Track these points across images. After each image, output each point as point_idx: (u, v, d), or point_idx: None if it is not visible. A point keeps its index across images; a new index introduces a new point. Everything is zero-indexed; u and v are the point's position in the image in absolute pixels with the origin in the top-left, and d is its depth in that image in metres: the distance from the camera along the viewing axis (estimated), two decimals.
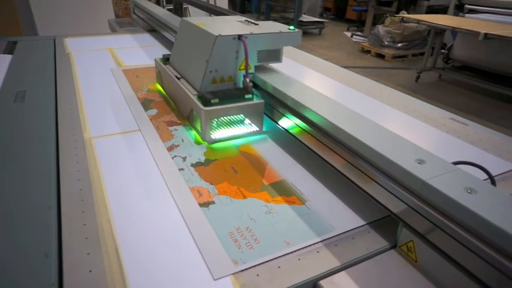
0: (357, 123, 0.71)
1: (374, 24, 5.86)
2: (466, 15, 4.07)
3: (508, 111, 3.48)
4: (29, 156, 0.80)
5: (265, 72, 1.01)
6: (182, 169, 0.79)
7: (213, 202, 0.69)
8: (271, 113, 0.95)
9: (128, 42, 1.85)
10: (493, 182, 0.67)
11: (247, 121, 0.91)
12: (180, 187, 0.73)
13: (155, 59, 1.23)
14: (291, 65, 1.56)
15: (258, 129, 0.94)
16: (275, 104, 0.93)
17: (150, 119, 1.02)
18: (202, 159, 0.84)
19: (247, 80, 0.92)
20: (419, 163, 0.56)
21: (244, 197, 0.71)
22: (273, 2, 7.47)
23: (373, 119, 0.73)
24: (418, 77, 4.27)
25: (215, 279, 0.52)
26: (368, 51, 5.40)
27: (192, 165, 0.81)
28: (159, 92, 1.21)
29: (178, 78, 1.03)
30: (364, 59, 5.24)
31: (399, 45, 5.13)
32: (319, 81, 1.38)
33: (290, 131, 0.88)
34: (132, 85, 1.26)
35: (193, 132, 0.95)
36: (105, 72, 1.37)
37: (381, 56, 5.19)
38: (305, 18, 6.76)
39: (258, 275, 0.53)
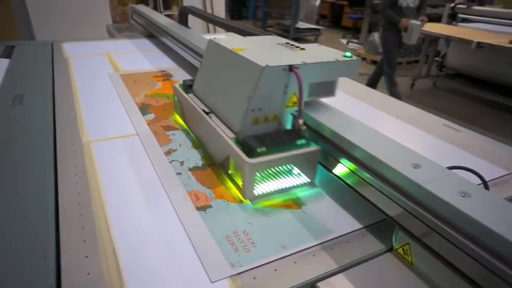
0: (353, 127, 0.72)
1: (370, 31, 5.94)
2: (459, 24, 4.15)
3: (500, 118, 3.53)
4: (27, 159, 0.80)
5: (314, 108, 0.81)
6: (180, 173, 0.80)
7: (210, 206, 0.70)
8: (326, 161, 0.75)
9: (125, 48, 1.86)
10: (486, 187, 0.68)
11: (295, 170, 0.73)
12: (177, 191, 0.73)
13: (174, 86, 1.03)
14: None
15: (309, 180, 0.76)
16: (331, 149, 0.73)
17: (148, 124, 1.02)
18: (200, 163, 0.84)
19: (301, 121, 0.74)
20: (414, 167, 0.57)
21: (241, 201, 0.72)
22: (269, 8, 7.54)
23: (368, 124, 0.74)
24: (412, 84, 4.32)
25: (212, 282, 0.53)
26: (363, 58, 5.46)
27: (190, 169, 0.81)
28: (180, 125, 1.02)
29: (207, 113, 0.85)
30: (360, 65, 5.30)
31: None
32: None
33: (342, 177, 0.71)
34: (130, 90, 1.26)
35: (230, 183, 0.76)
36: (103, 77, 1.38)
37: (376, 63, 5.25)
38: (301, 25, 6.83)
39: (254, 277, 0.54)
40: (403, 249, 0.58)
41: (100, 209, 0.66)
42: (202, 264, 0.56)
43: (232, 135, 0.76)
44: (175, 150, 0.89)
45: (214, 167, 0.83)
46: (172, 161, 0.84)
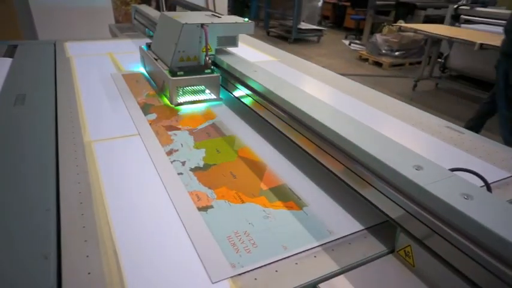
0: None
1: (372, 32, 5.93)
2: (462, 25, 4.13)
3: None
4: (29, 159, 0.80)
5: (223, 54, 1.29)
6: (181, 173, 0.80)
7: (212, 206, 0.70)
8: (226, 85, 1.22)
9: (128, 47, 1.86)
10: (489, 189, 0.68)
11: (207, 91, 1.18)
12: (178, 191, 0.73)
13: (140, 47, 1.47)
14: (291, 73, 1.57)
15: (215, 97, 1.20)
16: (229, 77, 1.19)
17: (150, 124, 1.02)
18: (201, 163, 0.84)
19: (207, 58, 1.18)
20: (416, 169, 0.57)
21: (243, 202, 0.72)
22: (271, 9, 7.54)
23: (370, 125, 0.74)
24: (415, 86, 4.31)
25: (213, 283, 0.52)
26: (366, 59, 5.45)
27: (191, 169, 0.81)
28: (142, 74, 1.45)
29: (156, 60, 1.29)
30: (362, 67, 5.29)
31: (396, 53, 5.19)
32: (317, 88, 1.39)
33: (241, 99, 1.14)
34: (132, 90, 1.26)
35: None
36: (105, 76, 1.38)
37: (378, 64, 5.25)
38: (304, 25, 6.82)
39: (255, 278, 0.54)
40: (404, 251, 0.58)
41: (101, 208, 0.66)
42: (203, 264, 0.55)
43: (166, 68, 1.19)
44: (177, 150, 0.89)
45: (216, 167, 0.83)
46: (174, 161, 0.84)
